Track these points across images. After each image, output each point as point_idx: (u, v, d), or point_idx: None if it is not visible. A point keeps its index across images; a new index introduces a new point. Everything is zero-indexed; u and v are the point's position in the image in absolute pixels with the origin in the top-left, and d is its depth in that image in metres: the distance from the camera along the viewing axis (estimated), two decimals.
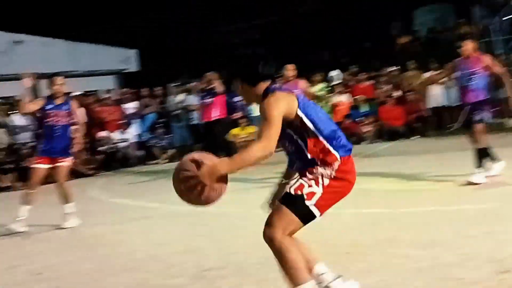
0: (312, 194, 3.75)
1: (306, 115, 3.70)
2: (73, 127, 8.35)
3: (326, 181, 3.76)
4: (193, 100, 16.49)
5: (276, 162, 4.64)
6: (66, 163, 8.13)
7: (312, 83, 16.51)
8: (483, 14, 16.21)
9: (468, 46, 8.38)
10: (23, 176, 13.26)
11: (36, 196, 8.11)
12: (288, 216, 3.69)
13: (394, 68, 17.51)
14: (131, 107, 16.74)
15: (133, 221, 8.08)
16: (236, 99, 16.11)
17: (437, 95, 16.58)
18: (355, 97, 16.60)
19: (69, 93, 9.38)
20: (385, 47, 24.54)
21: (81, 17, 25.58)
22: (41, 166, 8.01)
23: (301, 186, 3.75)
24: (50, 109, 8.05)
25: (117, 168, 15.58)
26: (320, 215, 3.84)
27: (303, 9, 34.07)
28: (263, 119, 3.64)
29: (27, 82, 7.92)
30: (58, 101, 8.13)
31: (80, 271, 5.71)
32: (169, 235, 6.96)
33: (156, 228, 7.55)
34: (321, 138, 3.72)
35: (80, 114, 8.78)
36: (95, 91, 19.74)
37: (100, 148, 15.63)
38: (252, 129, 16.18)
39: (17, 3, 22.89)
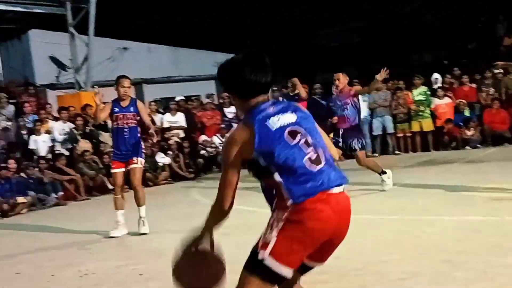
0: (266, 243, 3.13)
1: (262, 153, 3.10)
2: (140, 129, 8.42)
3: (280, 225, 3.12)
4: None
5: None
6: (138, 164, 8.19)
7: (413, 86, 16.27)
8: None
9: None
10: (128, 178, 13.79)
11: (124, 200, 8.30)
12: (249, 281, 3.14)
13: (500, 70, 16.90)
14: (231, 111, 17.01)
15: (232, 224, 8.21)
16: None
17: None
18: (457, 100, 16.15)
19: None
20: (491, 48, 23.76)
21: (184, 24, 26.26)
22: (117, 171, 8.15)
23: (260, 238, 3.23)
24: (117, 112, 8.11)
25: (217, 172, 15.90)
26: (289, 268, 3.09)
27: (404, 11, 33.53)
28: (222, 162, 3.28)
29: (98, 99, 8.11)
30: (124, 104, 8.16)
31: None
32: None
33: (254, 231, 7.64)
34: (277, 178, 3.11)
35: (147, 115, 8.81)
36: (196, 95, 20.22)
37: (201, 152, 16.00)
38: None
39: (123, 11, 23.81)
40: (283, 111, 3.20)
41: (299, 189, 3.07)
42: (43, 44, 19.55)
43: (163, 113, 16.58)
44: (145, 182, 8.71)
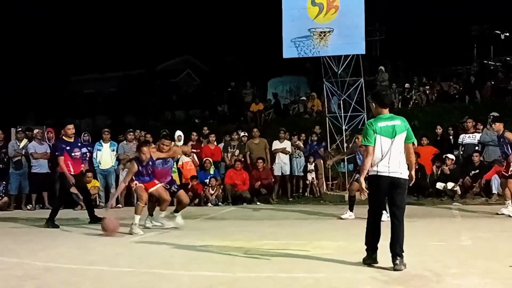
0: None
1: None
2: None
3: None
4: (37, 147, 15.80)
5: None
6: None
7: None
8: (333, 90, 17.04)
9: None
10: None
11: None
12: None
13: (245, 133, 17.87)
14: None
15: None
16: (83, 150, 15.71)
17: (283, 163, 17.06)
18: (203, 158, 16.64)
19: None
20: (239, 113, 25.12)
21: None
22: None
23: None
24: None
25: None
26: None
27: (161, 67, 34.33)
28: None
29: None
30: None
31: None
32: None
33: None
34: None
35: None
36: None
37: None
38: (97, 183, 15.70)
39: None
40: None
41: None
42: None
43: None
44: None
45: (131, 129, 17.08)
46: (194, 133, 17.55)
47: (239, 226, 11.86)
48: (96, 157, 15.94)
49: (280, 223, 12.10)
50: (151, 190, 11.05)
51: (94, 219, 12.21)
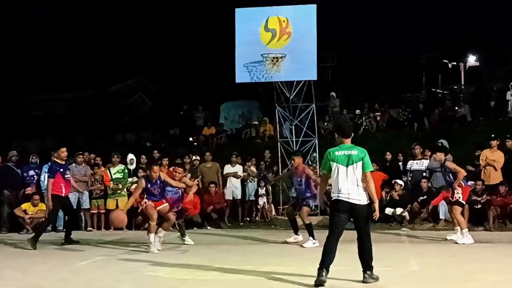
0: None
1: None
2: None
3: None
4: None
5: None
6: None
7: (112, 164, 16.19)
8: (285, 115, 17.17)
9: (299, 160, 12.18)
10: None
11: None
12: None
13: (196, 157, 17.79)
14: None
15: None
16: (31, 173, 15.53)
17: (235, 188, 17.02)
18: None
19: None
20: (191, 136, 25.05)
21: None
22: None
23: None
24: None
25: None
26: None
27: (112, 89, 34.04)
28: None
29: None
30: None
31: None
32: None
33: None
34: None
35: None
36: None
37: None
38: (43, 206, 15.38)
39: None
40: None
41: None
42: None
43: None
44: None
45: (80, 152, 16.80)
46: (143, 156, 17.32)
47: (189, 250, 11.76)
48: (44, 179, 15.59)
49: (230, 248, 12.05)
50: (159, 208, 11.51)
51: (69, 241, 12.56)
